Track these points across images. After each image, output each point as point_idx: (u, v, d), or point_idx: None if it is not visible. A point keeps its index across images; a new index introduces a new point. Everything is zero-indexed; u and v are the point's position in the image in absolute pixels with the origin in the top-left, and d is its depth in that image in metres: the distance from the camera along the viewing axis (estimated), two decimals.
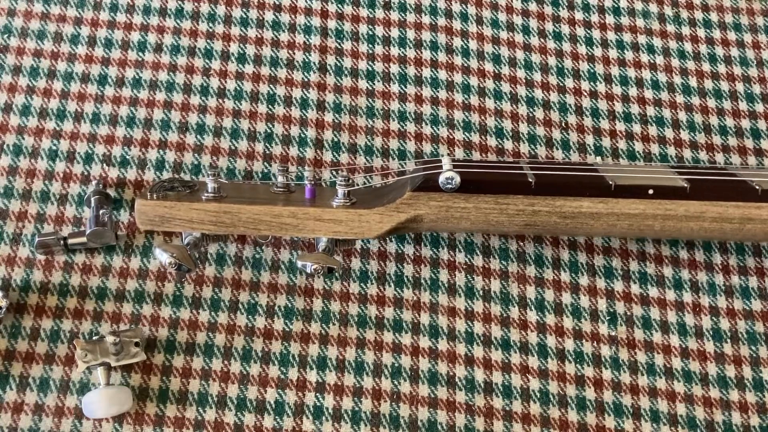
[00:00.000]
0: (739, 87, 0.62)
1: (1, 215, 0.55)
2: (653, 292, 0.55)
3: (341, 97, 0.60)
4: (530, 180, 0.48)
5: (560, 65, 0.62)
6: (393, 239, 0.55)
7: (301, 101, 0.60)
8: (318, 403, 0.51)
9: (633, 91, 0.61)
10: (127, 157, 0.57)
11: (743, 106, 0.61)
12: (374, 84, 0.60)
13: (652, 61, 0.63)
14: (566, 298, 0.54)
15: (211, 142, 0.58)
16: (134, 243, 0.54)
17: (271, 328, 0.53)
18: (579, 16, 0.64)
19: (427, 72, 0.61)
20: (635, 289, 0.55)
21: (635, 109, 0.61)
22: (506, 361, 0.52)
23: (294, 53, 0.61)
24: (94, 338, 0.51)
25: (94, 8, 0.62)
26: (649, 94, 0.61)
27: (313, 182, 0.50)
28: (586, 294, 0.55)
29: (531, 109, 0.60)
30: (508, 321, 0.54)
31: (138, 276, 0.53)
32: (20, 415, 0.50)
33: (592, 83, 0.61)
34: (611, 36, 0.63)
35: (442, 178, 0.48)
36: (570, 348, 0.53)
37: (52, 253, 0.53)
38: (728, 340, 0.54)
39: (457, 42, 0.62)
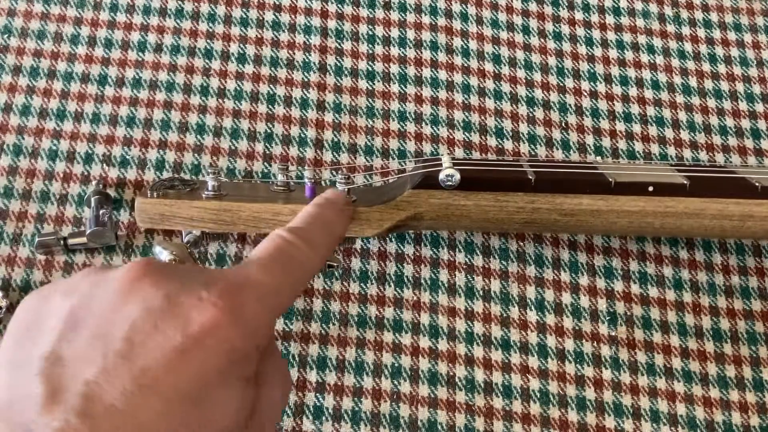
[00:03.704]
0: (739, 87, 0.62)
1: (1, 215, 0.55)
2: (653, 292, 0.55)
3: (341, 97, 0.60)
4: (530, 177, 0.48)
5: (560, 65, 0.62)
6: (393, 239, 0.55)
7: (301, 101, 0.60)
8: (318, 403, 0.51)
9: (633, 91, 0.61)
10: (127, 157, 0.57)
11: (743, 106, 0.61)
12: (374, 84, 0.61)
13: (652, 61, 0.63)
14: (566, 298, 0.54)
15: (211, 142, 0.58)
16: (134, 243, 0.54)
17: None
18: (579, 16, 0.64)
19: (427, 72, 0.61)
20: (635, 289, 0.55)
21: (635, 109, 0.61)
22: (506, 361, 0.52)
23: (294, 53, 0.61)
24: None
25: (94, 8, 0.62)
26: (649, 94, 0.61)
27: (313, 181, 0.50)
28: (586, 294, 0.55)
29: (531, 109, 0.60)
30: (508, 321, 0.54)
31: None
32: None
33: (592, 83, 0.61)
34: (611, 36, 0.63)
35: (441, 176, 0.48)
36: (570, 348, 0.53)
37: (52, 253, 0.53)
38: (728, 340, 0.54)
39: (457, 42, 0.62)
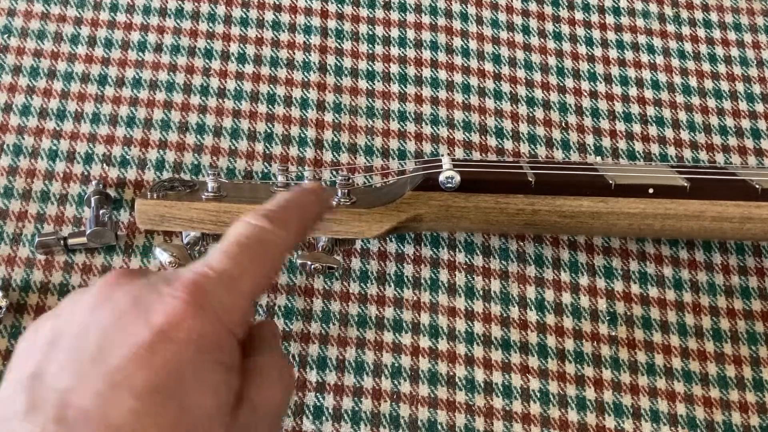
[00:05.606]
0: (739, 87, 0.62)
1: (1, 215, 0.55)
2: (653, 292, 0.55)
3: (341, 97, 0.60)
4: (530, 179, 0.48)
5: (560, 65, 0.62)
6: (393, 239, 0.55)
7: (301, 101, 0.60)
8: (318, 403, 0.51)
9: (633, 91, 0.61)
10: (127, 157, 0.57)
11: (743, 106, 0.61)
12: (374, 84, 0.61)
13: (652, 61, 0.63)
14: (566, 298, 0.54)
15: (211, 142, 0.58)
16: (134, 243, 0.54)
17: None
18: (579, 16, 0.64)
19: (427, 72, 0.61)
20: (635, 289, 0.55)
21: (635, 109, 0.61)
22: (506, 361, 0.52)
23: (294, 53, 0.61)
24: None
25: (94, 8, 0.62)
26: (649, 94, 0.61)
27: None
28: (586, 294, 0.55)
29: (531, 109, 0.60)
30: (508, 321, 0.54)
31: None
32: None
33: (592, 83, 0.61)
34: (611, 36, 0.63)
35: (442, 177, 0.48)
36: (570, 348, 0.53)
37: (52, 253, 0.53)
38: (728, 340, 0.54)
39: (457, 42, 0.62)
